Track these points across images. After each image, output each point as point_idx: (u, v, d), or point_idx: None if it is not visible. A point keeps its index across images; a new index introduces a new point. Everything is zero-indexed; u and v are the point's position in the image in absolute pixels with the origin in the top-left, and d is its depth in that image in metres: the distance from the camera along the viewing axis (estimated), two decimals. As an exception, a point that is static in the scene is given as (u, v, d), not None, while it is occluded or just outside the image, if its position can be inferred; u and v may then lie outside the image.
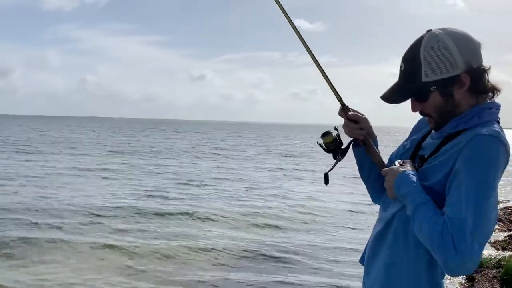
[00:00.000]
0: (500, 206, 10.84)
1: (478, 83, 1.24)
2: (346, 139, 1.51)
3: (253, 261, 6.04)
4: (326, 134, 1.48)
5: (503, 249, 6.43)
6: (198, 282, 5.22)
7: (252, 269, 5.74)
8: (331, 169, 1.48)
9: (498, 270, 5.06)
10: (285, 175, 16.28)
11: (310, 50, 1.47)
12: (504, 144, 1.17)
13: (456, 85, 1.23)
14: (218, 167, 17.75)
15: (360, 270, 1.49)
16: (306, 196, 11.56)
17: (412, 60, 1.26)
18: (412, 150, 1.40)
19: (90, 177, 13.28)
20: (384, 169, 1.36)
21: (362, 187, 1.61)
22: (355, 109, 1.49)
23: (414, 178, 1.25)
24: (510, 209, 9.50)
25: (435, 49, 1.22)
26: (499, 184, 1.21)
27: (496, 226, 8.70)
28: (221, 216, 8.56)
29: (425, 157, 1.31)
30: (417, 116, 1.51)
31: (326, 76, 1.46)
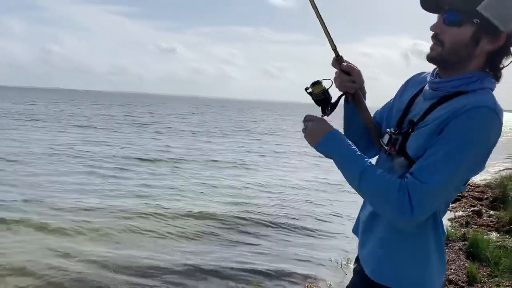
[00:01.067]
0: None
1: (501, 54, 1.22)
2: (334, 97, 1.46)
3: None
4: (316, 84, 1.42)
5: (467, 224, 6.64)
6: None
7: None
8: None
9: (463, 243, 5.24)
10: (248, 152, 16.08)
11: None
12: (501, 122, 1.16)
13: (490, 36, 1.19)
14: (183, 144, 17.29)
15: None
16: (272, 174, 11.46)
17: None
18: (401, 114, 1.36)
19: (37, 154, 12.10)
20: (309, 116, 1.37)
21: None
22: (350, 61, 1.43)
23: (346, 139, 1.29)
24: (473, 186, 9.86)
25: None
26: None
27: (458, 203, 9.04)
28: (171, 209, 7.18)
29: (415, 121, 1.28)
30: (394, 88, 1.49)
31: (323, 22, 1.37)
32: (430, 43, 1.26)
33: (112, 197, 7.80)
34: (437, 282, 1.32)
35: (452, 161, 1.13)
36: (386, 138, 1.33)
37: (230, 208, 7.59)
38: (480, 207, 7.94)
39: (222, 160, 13.32)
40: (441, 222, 1.32)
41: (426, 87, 1.32)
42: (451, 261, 4.68)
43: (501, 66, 1.24)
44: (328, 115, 1.43)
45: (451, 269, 4.40)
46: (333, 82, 1.44)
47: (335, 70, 1.45)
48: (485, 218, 7.06)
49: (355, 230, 1.55)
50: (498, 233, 5.81)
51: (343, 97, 1.47)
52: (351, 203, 7.56)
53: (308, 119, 1.35)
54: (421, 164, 1.17)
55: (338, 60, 1.42)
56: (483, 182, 10.21)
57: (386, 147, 1.32)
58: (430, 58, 1.27)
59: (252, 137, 22.69)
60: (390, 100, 1.49)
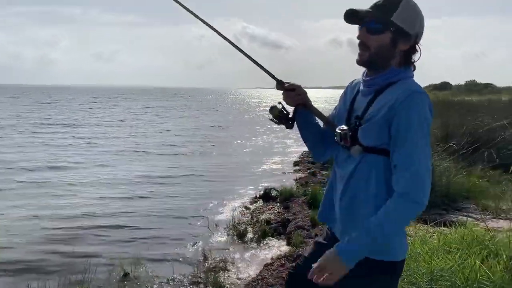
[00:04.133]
0: (299, 150, 13.15)
1: (412, 52, 1.59)
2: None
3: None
4: (272, 109, 1.77)
5: (306, 183, 8.21)
6: None
7: None
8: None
9: (305, 197, 6.68)
10: (70, 145, 14.76)
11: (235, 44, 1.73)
12: (429, 99, 1.52)
13: (404, 39, 1.55)
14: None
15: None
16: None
17: (393, 2, 1.55)
18: (347, 114, 1.67)
19: None
20: (320, 262, 1.50)
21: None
22: (288, 82, 1.76)
23: (351, 244, 1.47)
24: (307, 153, 11.69)
25: (413, 9, 1.56)
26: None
27: (298, 167, 10.69)
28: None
29: (360, 115, 1.59)
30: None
31: (256, 61, 1.74)
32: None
33: None
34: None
35: (420, 142, 1.45)
36: (338, 136, 1.62)
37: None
38: (314, 169, 9.71)
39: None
40: None
41: (361, 87, 1.66)
42: (297, 212, 5.86)
43: (413, 60, 1.61)
44: (291, 127, 1.77)
45: (299, 218, 5.56)
46: (283, 101, 1.75)
47: (280, 92, 1.77)
48: (319, 177, 8.77)
49: (324, 217, 1.79)
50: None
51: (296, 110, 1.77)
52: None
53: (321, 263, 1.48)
54: (397, 157, 1.46)
55: (280, 84, 1.75)
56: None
57: (341, 143, 1.62)
58: (361, 62, 1.61)
59: (67, 129, 21.38)
60: (337, 106, 1.82)
